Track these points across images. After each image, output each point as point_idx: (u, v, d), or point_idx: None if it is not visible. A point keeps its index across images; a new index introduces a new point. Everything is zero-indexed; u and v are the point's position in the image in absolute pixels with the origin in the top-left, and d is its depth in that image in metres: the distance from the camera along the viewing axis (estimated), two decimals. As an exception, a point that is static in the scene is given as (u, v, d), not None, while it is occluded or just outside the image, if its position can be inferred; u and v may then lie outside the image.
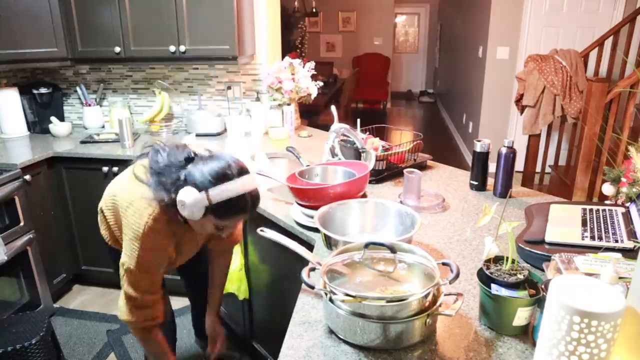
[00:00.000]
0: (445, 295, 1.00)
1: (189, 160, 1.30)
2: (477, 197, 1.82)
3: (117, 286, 1.51)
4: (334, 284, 0.98)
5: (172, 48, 2.61)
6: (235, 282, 2.08)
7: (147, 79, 3.11)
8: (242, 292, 2.10)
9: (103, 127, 3.14)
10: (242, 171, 1.29)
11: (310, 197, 1.53)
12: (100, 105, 3.17)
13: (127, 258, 1.36)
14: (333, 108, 2.08)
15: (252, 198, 1.30)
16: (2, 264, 2.24)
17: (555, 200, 1.68)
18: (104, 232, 1.61)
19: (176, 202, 1.27)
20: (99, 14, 2.64)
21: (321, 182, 1.73)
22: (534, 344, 0.96)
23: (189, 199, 1.23)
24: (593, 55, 3.90)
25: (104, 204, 1.53)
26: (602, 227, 1.34)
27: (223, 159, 1.29)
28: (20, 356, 1.78)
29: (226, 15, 2.52)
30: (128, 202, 1.36)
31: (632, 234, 1.28)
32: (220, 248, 1.77)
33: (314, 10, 7.52)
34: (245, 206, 1.29)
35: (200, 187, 1.24)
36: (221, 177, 1.25)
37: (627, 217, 1.38)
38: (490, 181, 1.88)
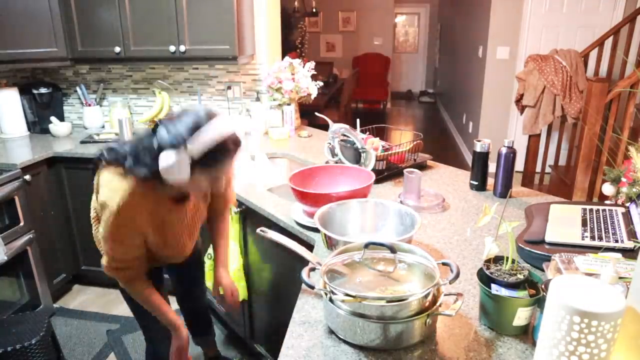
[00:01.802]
0: (445, 295, 1.00)
1: (155, 127, 1.25)
2: (477, 197, 1.82)
3: (117, 286, 1.51)
4: (334, 284, 0.98)
5: (172, 48, 2.61)
6: (235, 282, 2.08)
7: (147, 79, 3.11)
8: (242, 293, 2.10)
9: (103, 127, 3.13)
10: (212, 116, 1.22)
11: (313, 201, 1.52)
12: (100, 105, 3.17)
13: (102, 230, 1.35)
14: (322, 116, 2.07)
15: (233, 140, 1.24)
16: (2, 264, 2.24)
17: (555, 200, 1.68)
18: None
19: (159, 173, 1.22)
20: (99, 14, 2.64)
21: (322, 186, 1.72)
22: (534, 344, 0.96)
23: (170, 161, 1.18)
24: (593, 55, 3.90)
25: (93, 209, 1.55)
26: (602, 227, 1.34)
27: (190, 113, 1.23)
28: (20, 356, 1.78)
29: (226, 15, 2.52)
30: (104, 184, 1.33)
31: (632, 234, 1.27)
32: (217, 213, 1.72)
33: (314, 10, 7.51)
34: (227, 148, 1.23)
35: (177, 146, 1.18)
36: (193, 128, 1.19)
37: (627, 217, 1.38)
38: (490, 181, 1.88)
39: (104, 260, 1.43)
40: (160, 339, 1.74)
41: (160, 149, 1.21)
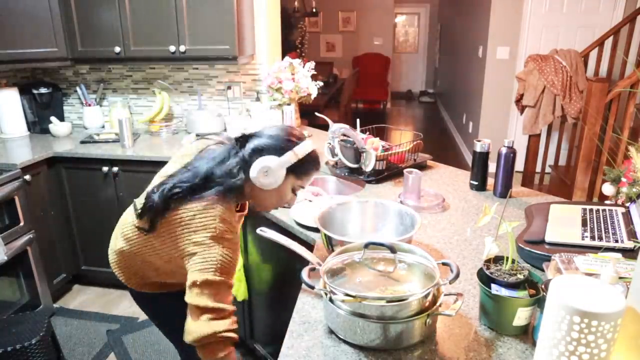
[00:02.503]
0: (445, 295, 1.00)
1: (241, 140, 1.28)
2: (477, 197, 1.82)
3: (117, 286, 1.50)
4: (334, 284, 0.98)
5: (172, 48, 2.61)
6: (235, 283, 2.08)
7: (147, 79, 3.11)
8: (242, 293, 2.10)
9: (103, 127, 3.13)
10: (293, 130, 1.33)
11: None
12: (100, 105, 3.17)
13: (201, 273, 1.18)
14: (322, 116, 2.06)
15: (318, 156, 1.34)
16: (2, 264, 2.24)
17: (555, 200, 1.68)
18: (129, 278, 1.45)
19: (245, 181, 1.23)
20: (99, 14, 2.64)
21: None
22: (534, 344, 0.96)
23: (274, 163, 1.22)
24: (593, 55, 3.90)
25: (126, 242, 1.36)
26: (602, 227, 1.34)
27: (275, 127, 1.31)
28: (20, 356, 1.78)
29: (226, 15, 2.52)
30: (184, 222, 1.20)
31: (632, 234, 1.27)
32: None
33: (314, 10, 7.51)
34: (318, 161, 1.33)
35: (279, 151, 1.24)
36: (298, 135, 1.29)
37: (627, 217, 1.38)
38: (490, 181, 1.88)
39: (195, 320, 1.17)
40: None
41: (252, 158, 1.24)
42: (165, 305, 1.47)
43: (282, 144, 1.25)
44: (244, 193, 1.28)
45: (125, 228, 1.38)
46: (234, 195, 1.24)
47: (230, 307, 1.22)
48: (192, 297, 1.19)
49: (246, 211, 1.46)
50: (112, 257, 1.46)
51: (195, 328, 1.18)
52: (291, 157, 1.25)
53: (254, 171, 1.23)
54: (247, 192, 1.29)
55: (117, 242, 1.41)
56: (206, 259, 1.18)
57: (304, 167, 1.30)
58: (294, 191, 1.34)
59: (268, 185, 1.25)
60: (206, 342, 1.18)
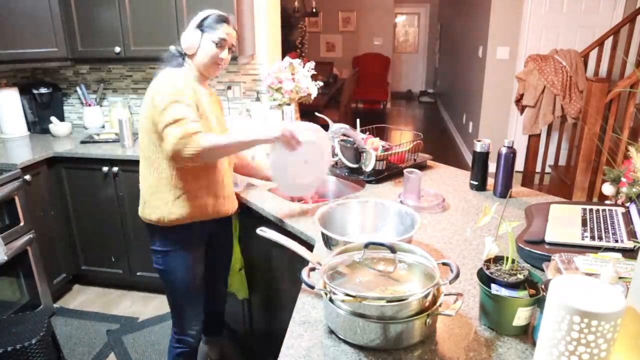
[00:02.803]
0: (445, 295, 1.00)
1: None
2: (477, 197, 1.82)
3: (117, 286, 1.51)
4: (334, 284, 0.98)
5: (173, 48, 2.60)
6: (235, 282, 2.08)
7: (147, 79, 3.11)
8: (242, 292, 2.10)
9: (103, 127, 3.13)
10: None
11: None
12: (100, 105, 3.17)
13: (164, 120, 1.49)
14: (322, 116, 2.06)
15: (219, 14, 1.63)
16: (2, 264, 2.24)
17: (555, 200, 1.68)
18: (151, 203, 1.65)
19: (184, 54, 1.67)
20: (99, 14, 2.64)
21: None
22: (534, 344, 0.96)
23: (185, 34, 1.63)
24: (593, 55, 3.90)
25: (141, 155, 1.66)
26: (602, 227, 1.34)
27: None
28: (20, 356, 1.78)
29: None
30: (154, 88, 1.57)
31: (632, 234, 1.28)
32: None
33: (314, 10, 7.51)
34: (220, 13, 1.63)
35: (190, 29, 1.64)
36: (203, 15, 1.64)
37: (627, 217, 1.38)
38: (490, 181, 1.88)
39: (171, 142, 1.45)
40: (190, 324, 1.79)
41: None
42: (175, 256, 1.70)
43: (190, 25, 1.64)
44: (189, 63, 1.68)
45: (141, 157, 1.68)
46: (179, 64, 1.69)
47: (195, 126, 1.49)
48: (165, 142, 1.48)
49: (212, 93, 1.83)
50: (141, 189, 1.70)
51: (169, 139, 1.46)
52: (195, 21, 1.62)
53: (181, 46, 1.66)
54: (191, 63, 1.68)
55: (140, 169, 1.69)
56: (167, 111, 1.49)
57: (208, 21, 1.61)
58: (217, 46, 1.62)
59: (191, 47, 1.62)
60: (181, 146, 1.44)
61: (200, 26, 1.61)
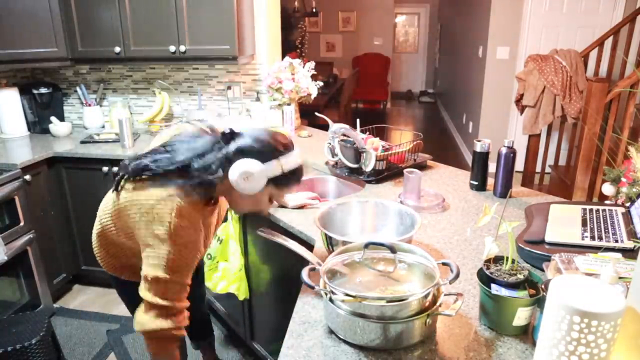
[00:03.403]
0: (445, 295, 1.00)
1: (227, 136, 1.21)
2: (477, 197, 1.82)
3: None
4: (334, 284, 0.98)
5: (172, 48, 2.61)
6: (235, 282, 2.08)
7: (147, 79, 3.11)
8: (242, 292, 2.10)
9: (103, 127, 3.13)
10: (278, 135, 1.25)
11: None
12: (100, 105, 3.17)
13: (151, 267, 1.19)
14: (322, 116, 2.05)
15: (302, 170, 1.29)
16: (2, 264, 2.24)
17: (555, 200, 1.68)
18: (106, 260, 1.47)
19: (222, 180, 1.18)
20: (99, 14, 2.64)
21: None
22: (534, 344, 0.96)
23: (257, 169, 1.15)
24: (593, 55, 3.90)
25: (101, 226, 1.37)
26: (602, 227, 1.34)
27: (262, 130, 1.23)
28: (20, 356, 1.78)
29: (226, 15, 2.52)
30: (144, 209, 1.19)
31: (632, 234, 1.27)
32: None
33: (314, 10, 7.51)
34: (301, 175, 1.27)
35: (264, 157, 1.17)
36: (286, 145, 1.22)
37: (627, 217, 1.38)
38: (490, 181, 1.88)
39: (144, 312, 1.23)
40: None
41: (235, 157, 1.17)
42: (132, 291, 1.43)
43: (268, 150, 1.19)
44: (216, 191, 1.24)
45: (100, 210, 1.40)
46: (204, 191, 1.20)
47: (180, 305, 1.25)
48: (142, 290, 1.23)
49: (217, 206, 1.41)
50: (93, 241, 1.47)
51: (143, 320, 1.24)
52: (276, 167, 1.19)
53: (235, 173, 1.16)
54: (221, 190, 1.25)
55: (95, 224, 1.43)
56: (158, 255, 1.19)
57: (287, 180, 1.23)
58: (270, 200, 1.30)
59: (246, 190, 1.19)
60: (153, 336, 1.26)
61: None
